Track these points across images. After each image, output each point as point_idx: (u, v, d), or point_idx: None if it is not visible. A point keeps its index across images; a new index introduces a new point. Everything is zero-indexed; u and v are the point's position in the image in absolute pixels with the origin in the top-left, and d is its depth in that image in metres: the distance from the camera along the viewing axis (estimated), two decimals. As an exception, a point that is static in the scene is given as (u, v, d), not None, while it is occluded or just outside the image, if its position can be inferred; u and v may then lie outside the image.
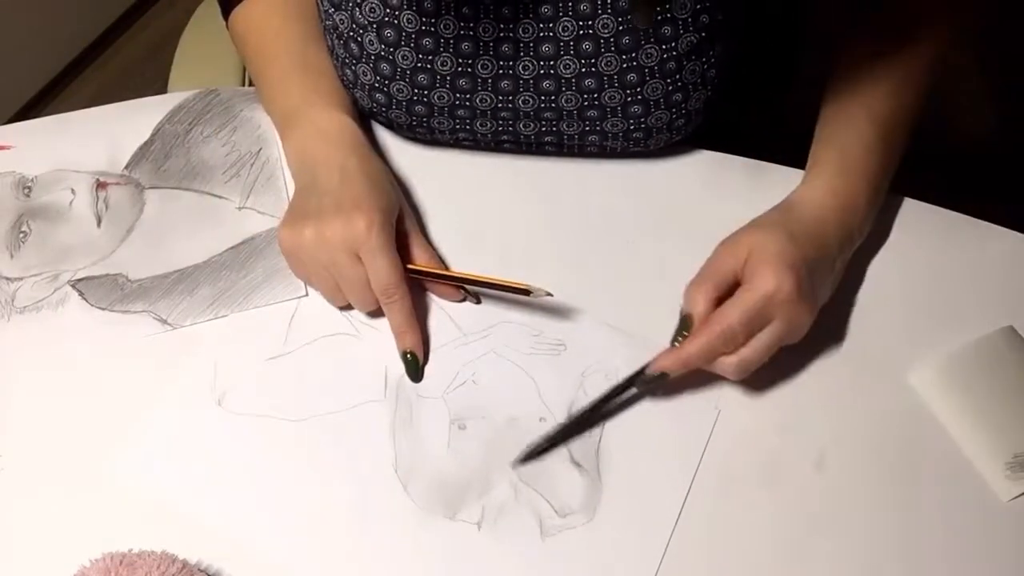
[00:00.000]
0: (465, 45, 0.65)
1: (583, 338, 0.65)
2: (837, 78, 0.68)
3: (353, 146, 0.68)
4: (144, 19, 1.95)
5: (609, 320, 0.66)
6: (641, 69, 0.64)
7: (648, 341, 0.62)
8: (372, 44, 0.66)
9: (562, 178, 0.73)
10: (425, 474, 0.61)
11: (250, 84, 0.85)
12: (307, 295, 0.68)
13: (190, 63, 0.95)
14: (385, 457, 0.61)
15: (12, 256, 0.71)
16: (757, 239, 0.60)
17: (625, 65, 0.64)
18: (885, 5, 0.69)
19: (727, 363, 0.59)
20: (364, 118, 0.74)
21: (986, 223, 0.69)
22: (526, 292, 0.62)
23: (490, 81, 0.67)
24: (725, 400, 0.62)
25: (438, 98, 0.68)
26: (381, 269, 0.62)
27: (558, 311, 0.66)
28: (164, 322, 0.67)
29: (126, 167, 0.75)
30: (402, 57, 0.66)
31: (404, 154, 0.75)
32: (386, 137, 0.76)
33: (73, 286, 0.69)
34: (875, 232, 0.68)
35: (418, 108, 0.69)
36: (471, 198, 0.72)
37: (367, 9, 0.65)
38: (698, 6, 0.62)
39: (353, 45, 0.67)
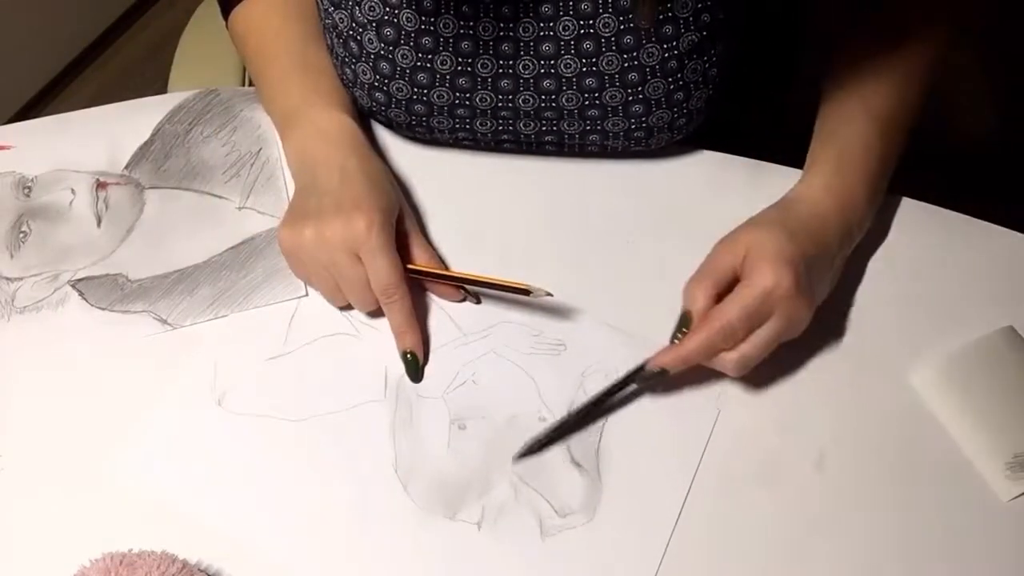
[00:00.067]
0: (465, 44, 0.65)
1: (583, 338, 0.65)
2: (836, 76, 0.68)
3: (353, 146, 0.68)
4: (144, 19, 1.95)
5: (609, 320, 0.66)
6: (642, 68, 0.64)
7: (648, 341, 0.62)
8: (372, 43, 0.66)
9: (562, 178, 0.73)
10: (425, 474, 0.60)
11: (250, 84, 0.85)
12: (307, 295, 0.68)
13: (190, 63, 0.95)
14: (385, 457, 0.61)
15: (12, 256, 0.71)
16: (755, 236, 0.60)
17: (626, 64, 0.64)
18: (885, 5, 0.69)
19: (727, 359, 0.59)
20: (364, 118, 0.74)
21: (986, 223, 0.69)
22: (526, 292, 0.62)
23: (490, 80, 0.67)
24: (725, 400, 0.62)
25: (437, 97, 0.68)
26: (381, 269, 0.62)
27: (558, 311, 0.66)
28: (164, 322, 0.67)
29: (126, 167, 0.75)
30: (402, 56, 0.66)
31: (404, 154, 0.75)
32: (386, 137, 0.76)
33: (73, 286, 0.69)
34: (875, 232, 0.68)
35: (418, 107, 0.69)
36: (471, 198, 0.72)
37: (367, 8, 0.65)
38: (699, 5, 0.62)
39: (352, 44, 0.67)
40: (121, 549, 0.55)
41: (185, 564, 0.55)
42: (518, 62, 0.66)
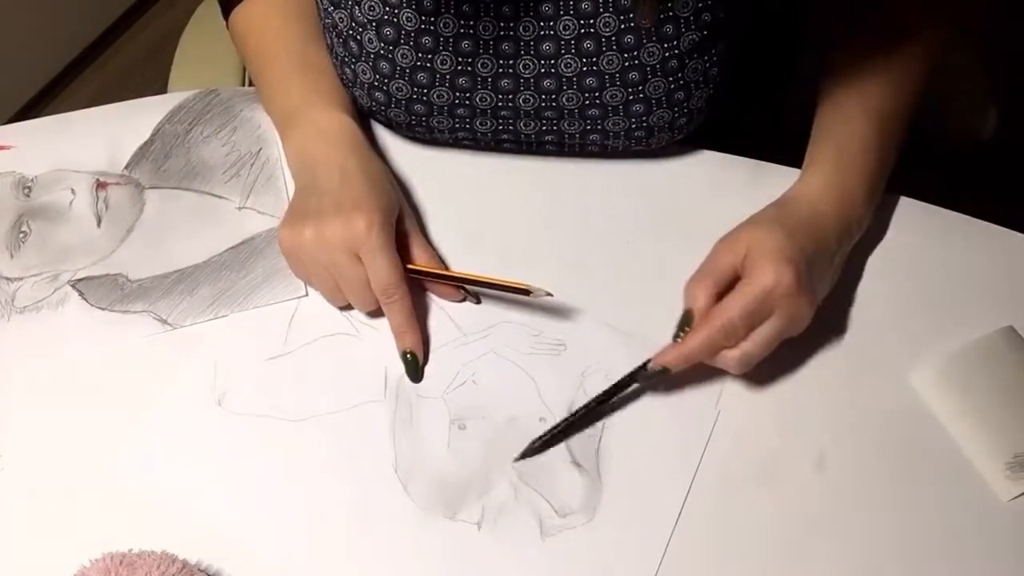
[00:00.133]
0: (465, 44, 0.65)
1: (583, 338, 0.65)
2: (835, 75, 0.68)
3: (353, 146, 0.68)
4: (144, 19, 1.95)
5: (609, 320, 0.66)
6: (643, 67, 0.64)
7: (648, 341, 0.62)
8: (371, 42, 0.66)
9: (562, 178, 0.73)
10: (425, 474, 0.60)
11: (250, 84, 0.85)
12: (307, 295, 0.68)
13: (190, 63, 0.95)
14: (385, 457, 0.61)
15: (12, 256, 0.71)
16: (755, 234, 0.60)
17: (627, 64, 0.64)
18: (885, 5, 0.69)
19: (729, 357, 0.59)
20: (364, 117, 0.74)
21: (986, 223, 0.69)
22: (526, 292, 0.62)
23: (490, 80, 0.67)
24: (725, 400, 0.62)
25: (437, 97, 0.68)
26: (381, 269, 0.62)
27: (558, 311, 0.66)
28: (164, 322, 0.67)
29: (126, 167, 0.75)
30: (401, 55, 0.66)
31: (404, 154, 0.75)
32: (386, 137, 0.76)
33: (73, 286, 0.69)
34: (875, 232, 0.68)
35: (417, 107, 0.69)
36: (471, 198, 0.72)
37: (366, 7, 0.65)
38: (700, 4, 0.62)
39: (352, 43, 0.67)
40: (121, 549, 0.55)
41: (185, 564, 0.55)
42: (518, 61, 0.66)
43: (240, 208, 0.73)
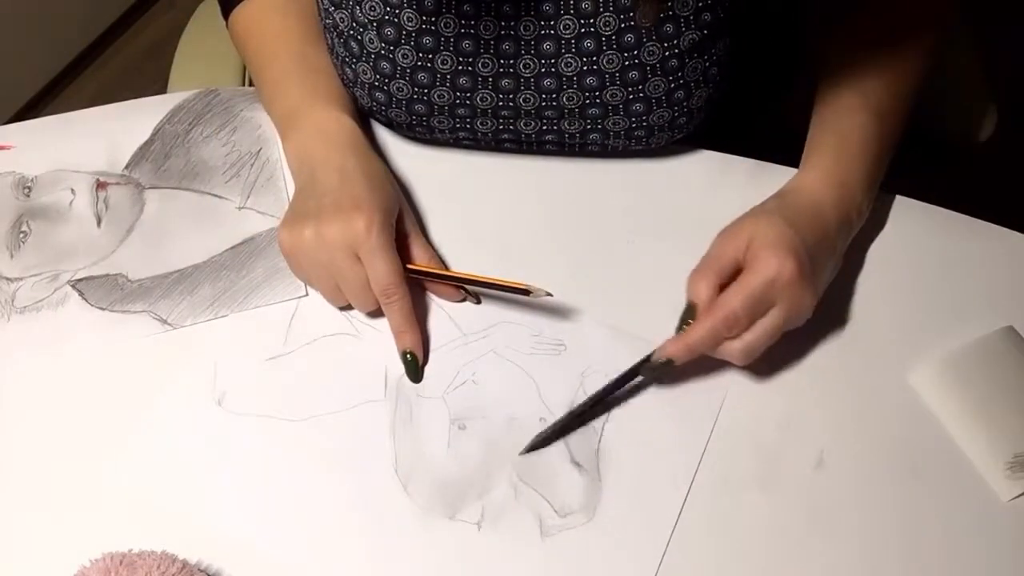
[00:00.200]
0: (466, 43, 0.65)
1: (583, 338, 0.65)
2: (834, 70, 0.68)
3: (353, 146, 0.68)
4: (144, 19, 1.95)
5: (609, 320, 0.66)
6: (643, 67, 0.64)
7: (648, 341, 0.62)
8: (372, 42, 0.66)
9: (562, 177, 0.73)
10: (425, 474, 0.60)
11: (250, 84, 0.85)
12: (307, 295, 0.68)
13: (190, 63, 0.95)
14: (385, 457, 0.61)
15: (12, 256, 0.71)
16: (757, 225, 0.60)
17: (627, 63, 0.64)
18: (878, 8, 0.69)
19: (732, 348, 0.59)
20: (364, 117, 0.74)
21: (986, 223, 0.69)
22: (526, 292, 0.62)
23: (491, 79, 0.67)
24: (725, 400, 0.62)
25: (438, 97, 0.68)
26: (380, 269, 0.62)
27: (558, 311, 0.66)
28: (164, 322, 0.67)
29: (126, 167, 0.75)
30: (402, 55, 0.66)
31: (404, 154, 0.75)
32: (386, 137, 0.76)
33: (73, 286, 0.69)
34: (875, 232, 0.68)
35: (418, 107, 0.69)
36: (471, 198, 0.72)
37: (367, 7, 0.65)
38: (700, 4, 0.62)
39: (353, 43, 0.67)
40: (121, 549, 0.55)
41: (185, 564, 0.55)
42: (519, 61, 0.66)
43: (240, 208, 0.73)
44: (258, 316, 0.67)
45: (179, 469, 0.61)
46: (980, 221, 0.69)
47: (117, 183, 0.74)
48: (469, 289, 0.67)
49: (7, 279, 0.70)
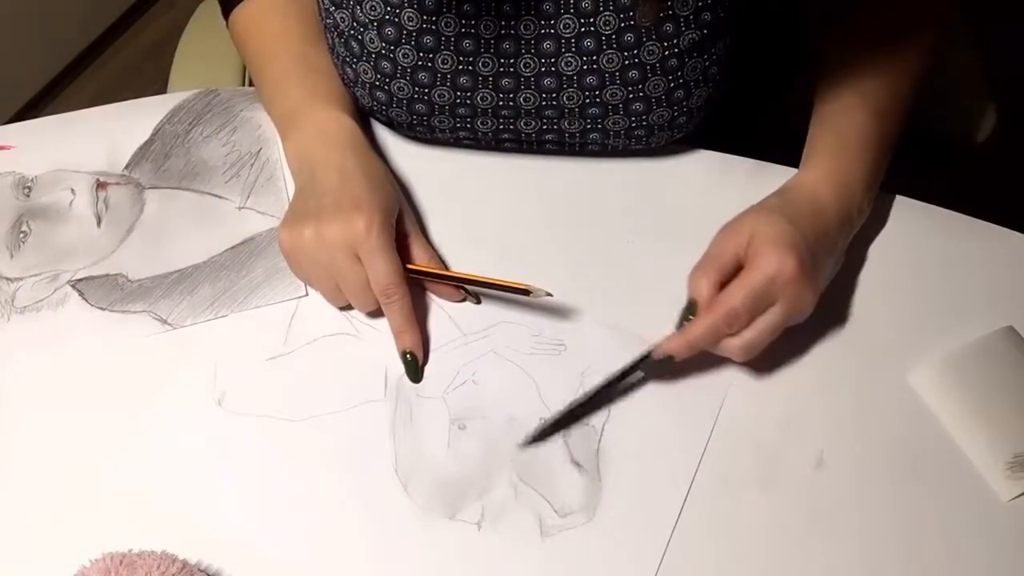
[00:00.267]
0: (466, 43, 0.65)
1: (583, 338, 0.65)
2: (833, 69, 0.68)
3: (353, 146, 0.68)
4: (144, 19, 1.95)
5: (609, 320, 0.66)
6: (643, 66, 0.64)
7: (648, 341, 0.62)
8: (373, 42, 0.66)
9: (563, 177, 0.73)
10: (425, 474, 0.60)
11: (250, 84, 0.85)
12: (307, 295, 0.68)
13: (190, 63, 0.95)
14: (385, 457, 0.61)
15: (12, 256, 0.71)
16: (758, 222, 0.60)
17: (627, 62, 0.64)
18: (877, 9, 0.69)
19: (732, 345, 0.59)
20: (364, 117, 0.74)
21: (986, 223, 0.69)
22: (526, 292, 0.62)
23: (491, 79, 0.67)
24: (725, 400, 0.62)
25: (439, 96, 0.68)
26: (380, 269, 0.62)
27: (558, 311, 0.66)
28: (164, 322, 0.67)
29: (126, 167, 0.75)
30: (403, 55, 0.66)
31: (404, 154, 0.75)
32: (386, 137, 0.76)
33: (73, 286, 0.69)
34: (875, 232, 0.68)
35: (419, 106, 0.69)
36: (471, 198, 0.72)
37: (368, 7, 0.65)
38: (700, 3, 0.62)
39: (354, 43, 0.67)
40: (121, 549, 0.55)
41: (185, 564, 0.55)
42: (519, 60, 0.66)
43: (240, 208, 0.73)
44: (258, 316, 0.67)
45: (179, 469, 0.61)
46: (980, 221, 0.69)
47: (117, 183, 0.74)
48: (469, 289, 0.67)
49: (7, 279, 0.70)
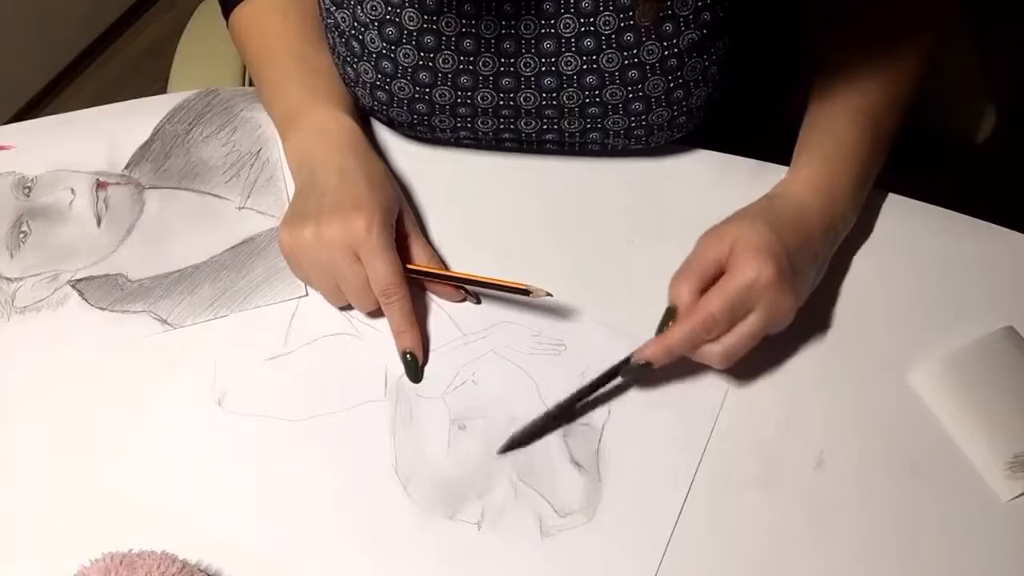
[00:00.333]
0: (467, 42, 0.65)
1: (583, 338, 0.65)
2: (827, 73, 0.68)
3: (352, 146, 0.68)
4: (144, 19, 1.95)
5: (609, 320, 0.66)
6: (642, 66, 0.64)
7: (648, 340, 0.62)
8: (373, 42, 0.66)
9: (563, 177, 0.73)
10: (425, 474, 0.60)
11: (250, 84, 0.85)
12: (307, 295, 0.68)
13: (190, 63, 0.95)
14: (385, 457, 0.61)
15: (12, 256, 0.71)
16: (740, 229, 0.60)
17: (626, 62, 0.64)
18: (875, 5, 0.69)
19: (711, 352, 0.59)
20: (365, 117, 0.74)
21: (986, 223, 0.69)
22: (526, 292, 0.62)
23: (491, 78, 0.67)
24: (725, 401, 0.62)
25: (439, 96, 0.68)
26: (380, 269, 0.62)
27: (558, 311, 0.66)
28: (164, 322, 0.67)
29: (126, 167, 0.75)
30: (403, 55, 0.66)
31: (404, 153, 0.75)
32: (387, 136, 0.76)
33: (73, 286, 0.69)
34: (875, 231, 0.68)
35: (419, 106, 0.69)
36: (471, 197, 0.72)
37: (369, 7, 0.65)
38: (699, 3, 0.62)
39: (354, 43, 0.67)
40: (121, 549, 0.55)
41: (185, 564, 0.55)
42: (519, 60, 0.66)
43: (240, 208, 0.73)
44: (258, 316, 0.67)
45: (179, 469, 0.61)
46: (980, 221, 0.69)
47: (117, 183, 0.74)
48: (469, 289, 0.67)
49: (7, 279, 0.70)
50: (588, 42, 0.64)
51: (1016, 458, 0.59)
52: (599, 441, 0.61)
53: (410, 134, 0.74)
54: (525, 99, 0.68)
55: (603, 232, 0.70)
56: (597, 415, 0.62)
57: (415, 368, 0.64)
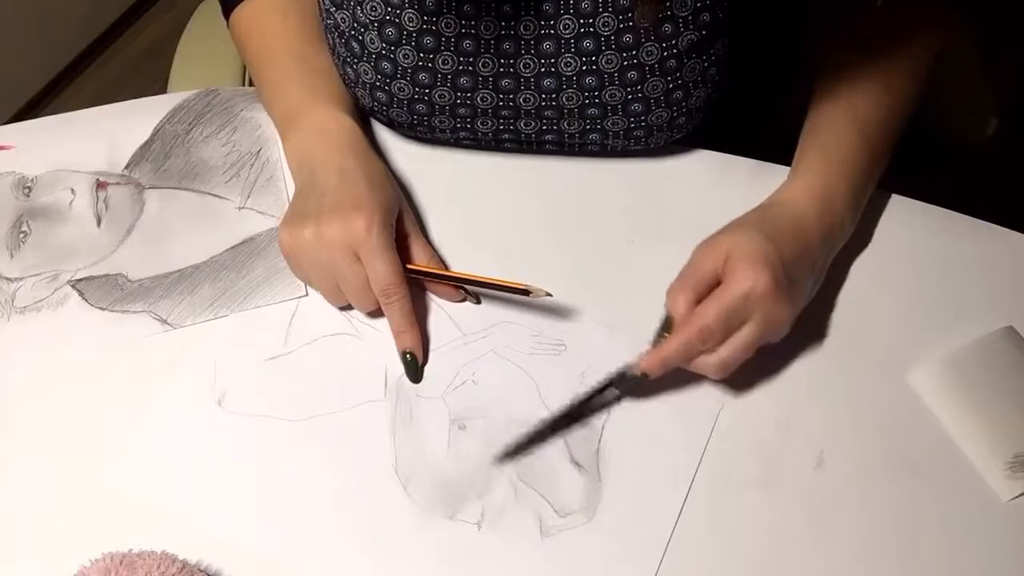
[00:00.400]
0: (466, 43, 0.65)
1: (583, 338, 0.65)
2: (826, 80, 0.68)
3: (352, 146, 0.68)
4: (144, 19, 1.95)
5: (609, 320, 0.66)
6: (641, 67, 0.64)
7: (648, 341, 0.62)
8: (373, 43, 0.66)
9: (562, 177, 0.73)
10: (425, 474, 0.60)
11: (250, 84, 0.85)
12: (307, 295, 0.68)
13: (190, 63, 0.95)
14: (385, 457, 0.61)
15: (12, 256, 0.71)
16: (736, 239, 0.60)
17: (625, 63, 0.64)
18: (875, 12, 0.69)
19: (707, 362, 0.59)
20: (364, 117, 0.74)
21: (986, 223, 0.69)
22: (526, 292, 0.62)
23: (491, 79, 0.67)
24: (725, 401, 0.62)
25: (439, 96, 0.68)
26: (380, 269, 0.62)
27: (558, 311, 0.66)
28: (164, 322, 0.67)
29: (126, 167, 0.75)
30: (403, 56, 0.66)
31: (404, 154, 0.75)
32: (386, 137, 0.76)
33: (73, 286, 0.69)
34: (875, 232, 0.69)
35: (419, 107, 0.69)
36: (471, 198, 0.72)
37: (368, 8, 0.65)
38: (699, 4, 0.62)
39: (354, 44, 0.67)
40: (121, 549, 0.55)
41: (185, 564, 0.55)
42: (519, 61, 0.66)
43: (240, 208, 0.73)
44: (258, 316, 0.67)
45: (179, 469, 0.61)
46: (980, 221, 0.69)
47: (117, 183, 0.74)
48: (469, 289, 0.67)
49: (7, 279, 0.70)
50: (587, 43, 0.64)
51: (1016, 458, 0.59)
52: (599, 441, 0.61)
53: (410, 134, 0.74)
54: (525, 100, 0.68)
55: (603, 232, 0.70)
56: (597, 415, 0.62)
57: (415, 368, 0.64)
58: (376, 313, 0.66)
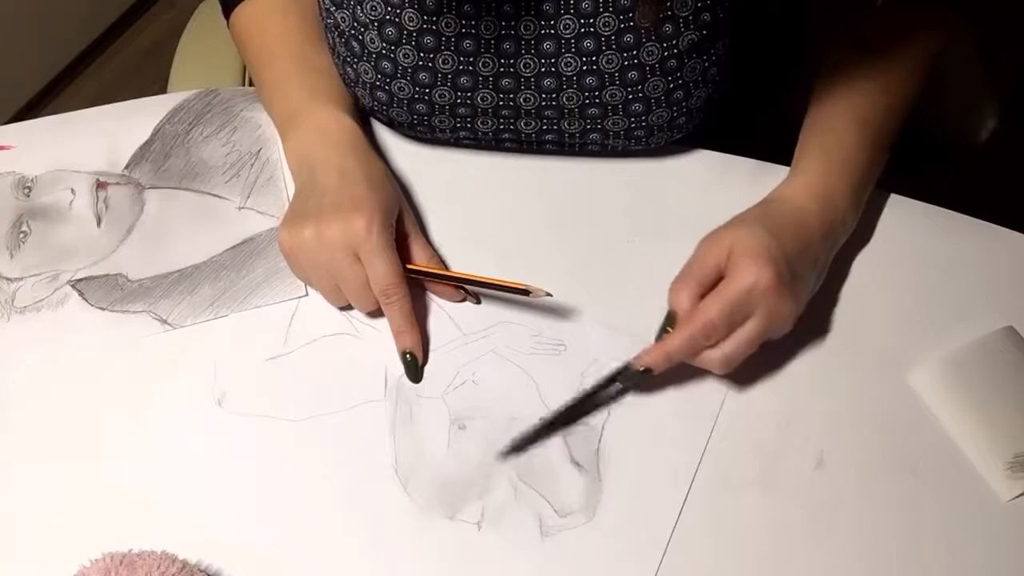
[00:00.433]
0: (467, 43, 0.65)
1: (583, 338, 0.65)
2: (826, 78, 0.68)
3: (352, 146, 0.68)
4: (144, 19, 1.95)
5: (609, 320, 0.66)
6: (642, 67, 0.64)
7: (648, 341, 0.62)
8: (373, 42, 0.66)
9: (563, 177, 0.73)
10: (425, 474, 0.60)
11: (250, 84, 0.85)
12: (307, 295, 0.68)
13: (190, 63, 0.95)
14: (385, 457, 0.61)
15: (12, 256, 0.71)
16: (738, 234, 0.60)
17: (626, 63, 0.64)
18: (875, 11, 0.69)
19: (711, 357, 0.59)
20: (364, 117, 0.74)
21: (986, 223, 0.69)
22: (526, 292, 0.62)
23: (491, 79, 0.67)
24: (725, 401, 0.62)
25: (439, 96, 0.68)
26: (380, 269, 0.62)
27: (558, 311, 0.66)
28: (164, 322, 0.67)
29: (126, 167, 0.75)
30: (403, 55, 0.66)
31: (404, 153, 0.75)
32: (386, 136, 0.76)
33: (73, 286, 0.69)
34: (875, 232, 0.69)
35: (419, 106, 0.69)
36: (471, 197, 0.72)
37: (368, 7, 0.65)
38: (699, 4, 0.62)
39: (354, 43, 0.67)
40: (121, 549, 0.55)
41: (185, 564, 0.55)
42: (519, 60, 0.66)
43: (240, 208, 0.73)
44: (258, 316, 0.67)
45: (179, 469, 0.61)
46: (980, 221, 0.69)
47: (117, 183, 0.74)
48: (469, 289, 0.67)
49: (7, 279, 0.70)
50: (588, 43, 0.64)
51: (1016, 458, 0.59)
52: (599, 441, 0.61)
53: (410, 134, 0.74)
54: (525, 100, 0.68)
55: (603, 232, 0.70)
56: (597, 415, 0.62)
57: (415, 368, 0.64)
58: (376, 313, 0.66)
